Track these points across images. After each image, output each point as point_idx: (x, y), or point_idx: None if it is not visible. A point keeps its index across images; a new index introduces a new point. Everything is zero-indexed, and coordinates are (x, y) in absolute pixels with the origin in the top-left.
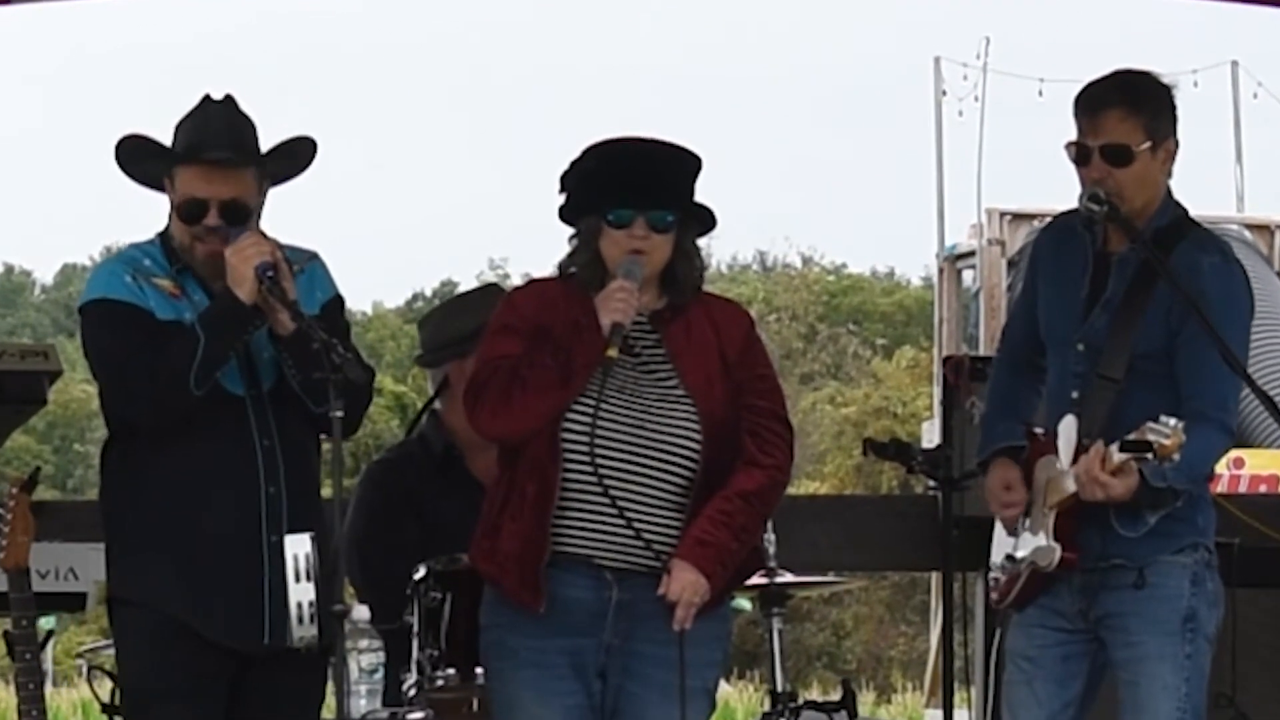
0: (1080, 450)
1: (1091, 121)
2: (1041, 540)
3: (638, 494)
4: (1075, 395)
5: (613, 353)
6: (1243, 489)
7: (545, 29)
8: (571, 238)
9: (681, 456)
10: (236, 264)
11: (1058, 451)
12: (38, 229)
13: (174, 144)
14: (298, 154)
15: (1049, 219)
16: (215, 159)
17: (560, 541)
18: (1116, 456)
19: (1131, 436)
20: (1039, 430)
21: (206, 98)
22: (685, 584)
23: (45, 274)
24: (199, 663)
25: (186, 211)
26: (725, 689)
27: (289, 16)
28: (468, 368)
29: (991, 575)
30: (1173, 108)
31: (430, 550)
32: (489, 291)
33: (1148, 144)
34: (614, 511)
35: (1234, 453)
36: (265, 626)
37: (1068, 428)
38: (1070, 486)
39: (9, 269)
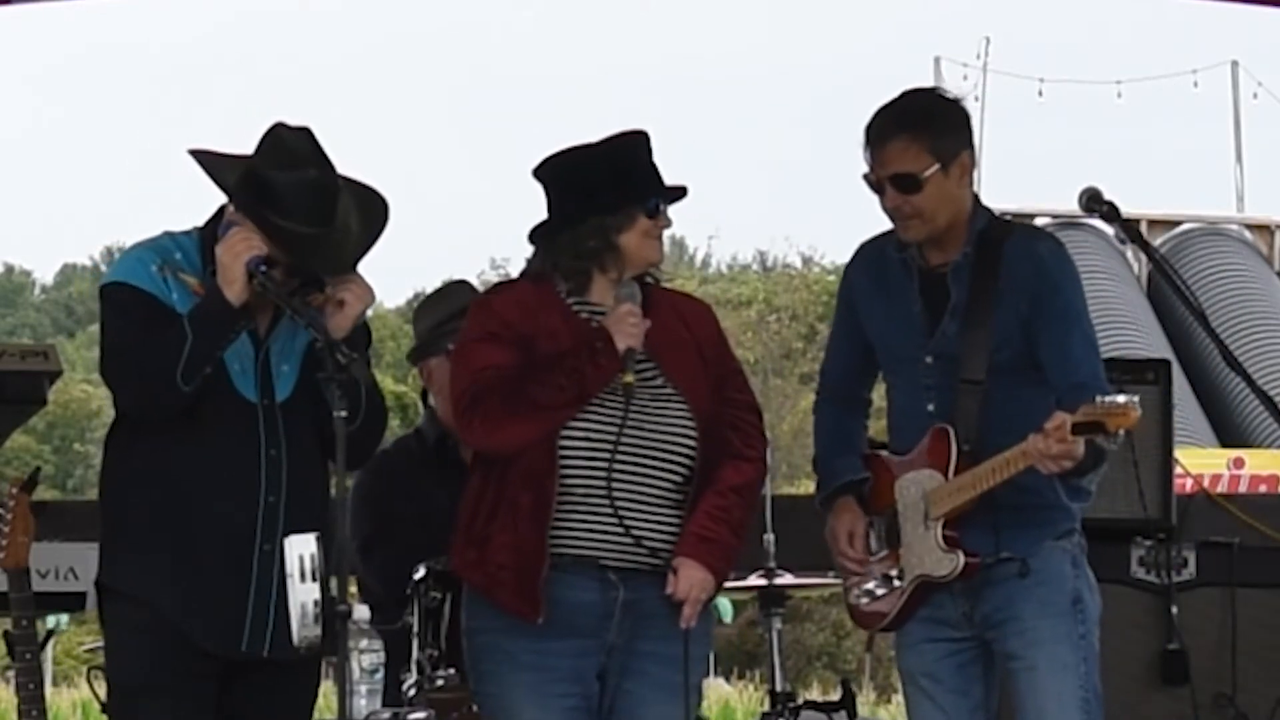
0: (962, 458)
1: (876, 153)
2: (934, 553)
3: (639, 496)
4: (932, 408)
5: (629, 379)
6: (1243, 489)
7: (547, 29)
8: (566, 242)
9: (681, 456)
10: (227, 262)
11: (930, 465)
12: (38, 229)
13: (255, 187)
14: (373, 239)
15: (1044, 220)
16: (295, 235)
17: (565, 546)
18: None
19: (1078, 419)
20: (883, 452)
21: (304, 157)
22: (694, 582)
23: (45, 274)
24: (186, 661)
25: (256, 259)
26: (725, 689)
27: (291, 16)
28: (433, 365)
29: (861, 600)
30: (963, 122)
31: (423, 539)
32: (453, 288)
33: (935, 166)
34: (616, 516)
35: (1234, 453)
36: (245, 634)
37: (940, 439)
38: (962, 495)
39: (9, 269)
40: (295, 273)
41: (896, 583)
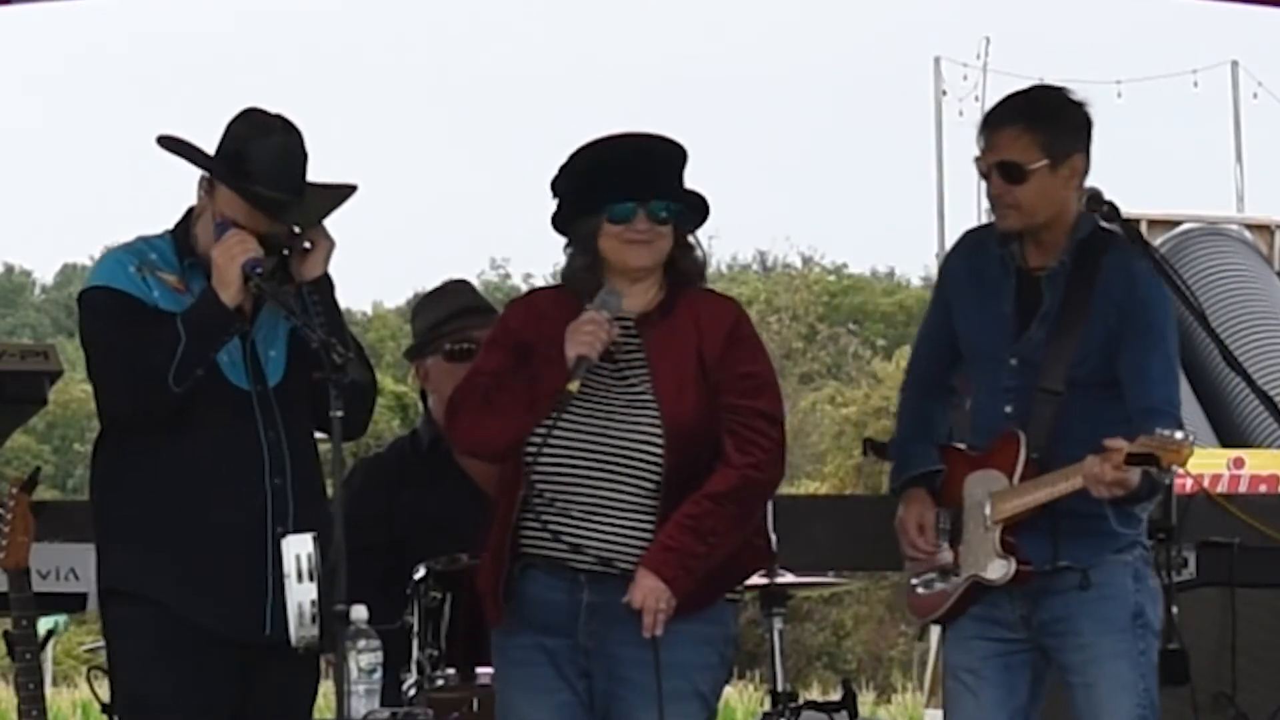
0: (1029, 465)
1: (989, 138)
2: (990, 556)
3: (604, 500)
4: (1009, 410)
5: (573, 387)
6: (1243, 489)
7: (547, 29)
8: (566, 246)
9: (643, 463)
10: (223, 265)
11: (998, 467)
12: (38, 229)
13: (228, 158)
14: (339, 202)
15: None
16: (270, 199)
17: (534, 547)
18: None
19: (1134, 450)
20: (960, 445)
21: (273, 126)
22: (646, 591)
23: (45, 274)
24: (203, 662)
25: (251, 262)
26: (725, 689)
27: (290, 15)
28: (429, 364)
29: (917, 589)
30: (1083, 125)
31: (413, 541)
32: (451, 287)
33: (1044, 162)
34: (582, 518)
35: (1234, 453)
36: (268, 617)
37: (1010, 443)
38: (1023, 505)
39: (9, 269)
40: (267, 247)
41: (953, 578)
